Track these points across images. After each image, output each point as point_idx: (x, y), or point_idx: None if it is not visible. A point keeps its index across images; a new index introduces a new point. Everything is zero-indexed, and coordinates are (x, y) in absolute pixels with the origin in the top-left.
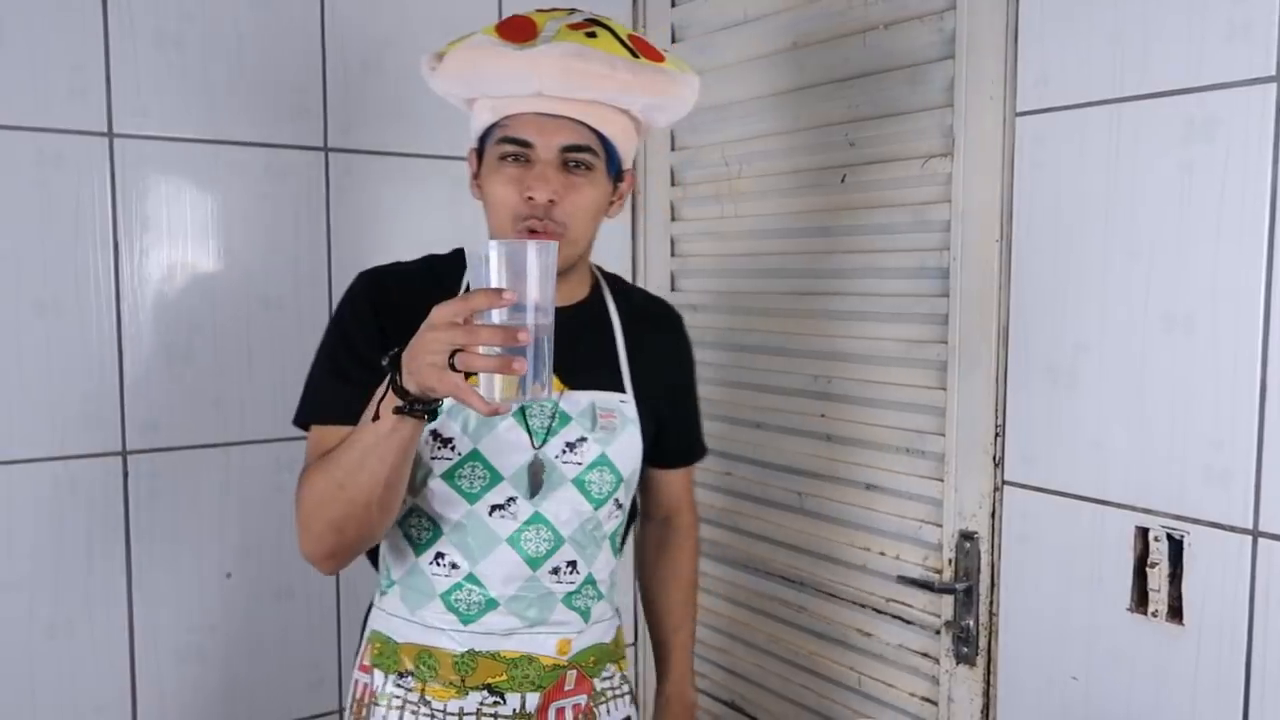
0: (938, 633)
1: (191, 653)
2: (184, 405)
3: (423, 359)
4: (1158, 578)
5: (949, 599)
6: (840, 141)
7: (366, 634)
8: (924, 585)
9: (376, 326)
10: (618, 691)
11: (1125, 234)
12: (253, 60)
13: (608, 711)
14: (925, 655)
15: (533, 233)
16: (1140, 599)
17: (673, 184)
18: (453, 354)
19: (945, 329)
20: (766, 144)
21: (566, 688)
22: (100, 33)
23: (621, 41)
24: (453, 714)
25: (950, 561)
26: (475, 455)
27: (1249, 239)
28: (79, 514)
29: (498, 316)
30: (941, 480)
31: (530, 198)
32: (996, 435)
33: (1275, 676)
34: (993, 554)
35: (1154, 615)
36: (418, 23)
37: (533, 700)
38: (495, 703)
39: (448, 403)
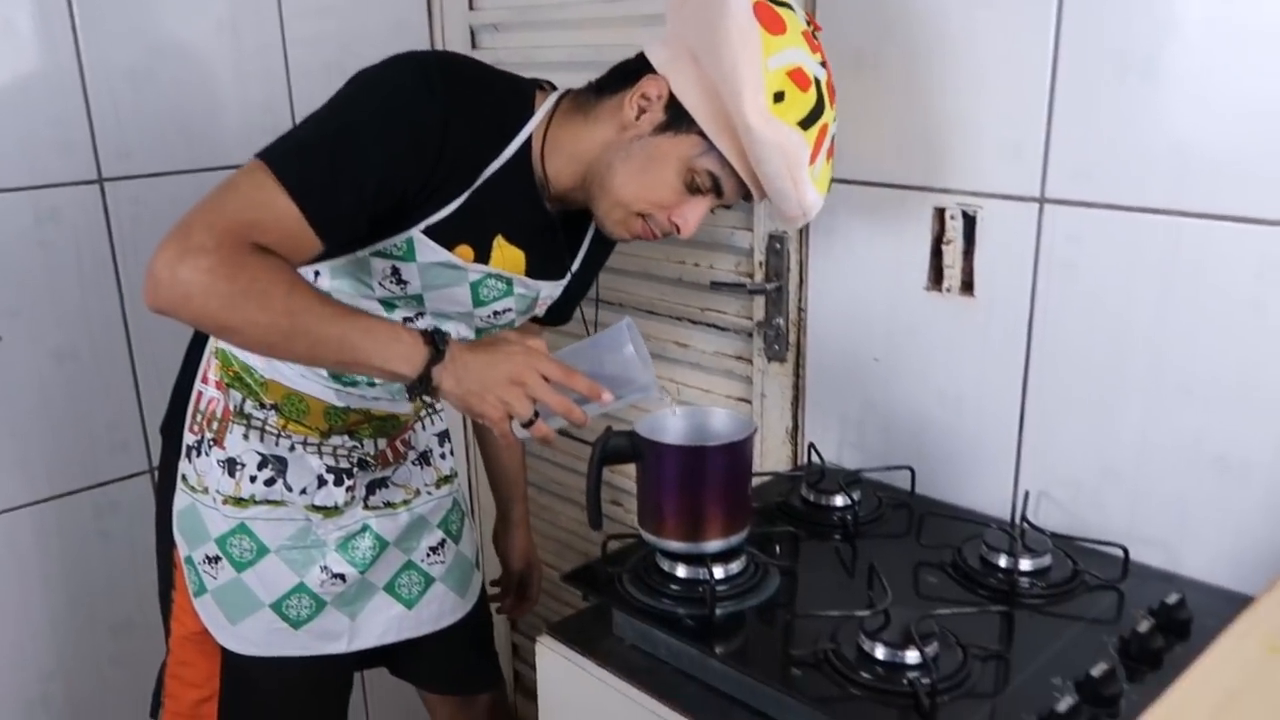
0: (750, 335)
1: None
2: (154, 132)
3: (492, 393)
4: (952, 254)
5: (760, 300)
6: None
7: (209, 349)
8: (736, 289)
9: (429, 167)
10: (432, 410)
11: None
12: None
13: (423, 428)
14: (739, 358)
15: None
16: (936, 277)
17: None
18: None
19: None
20: None
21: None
22: None
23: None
24: (313, 444)
25: (761, 264)
26: (419, 300)
27: None
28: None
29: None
30: None
31: (676, 226)
32: None
33: (1052, 333)
34: (801, 252)
35: (948, 290)
36: None
37: (382, 443)
38: (354, 446)
39: (418, 254)
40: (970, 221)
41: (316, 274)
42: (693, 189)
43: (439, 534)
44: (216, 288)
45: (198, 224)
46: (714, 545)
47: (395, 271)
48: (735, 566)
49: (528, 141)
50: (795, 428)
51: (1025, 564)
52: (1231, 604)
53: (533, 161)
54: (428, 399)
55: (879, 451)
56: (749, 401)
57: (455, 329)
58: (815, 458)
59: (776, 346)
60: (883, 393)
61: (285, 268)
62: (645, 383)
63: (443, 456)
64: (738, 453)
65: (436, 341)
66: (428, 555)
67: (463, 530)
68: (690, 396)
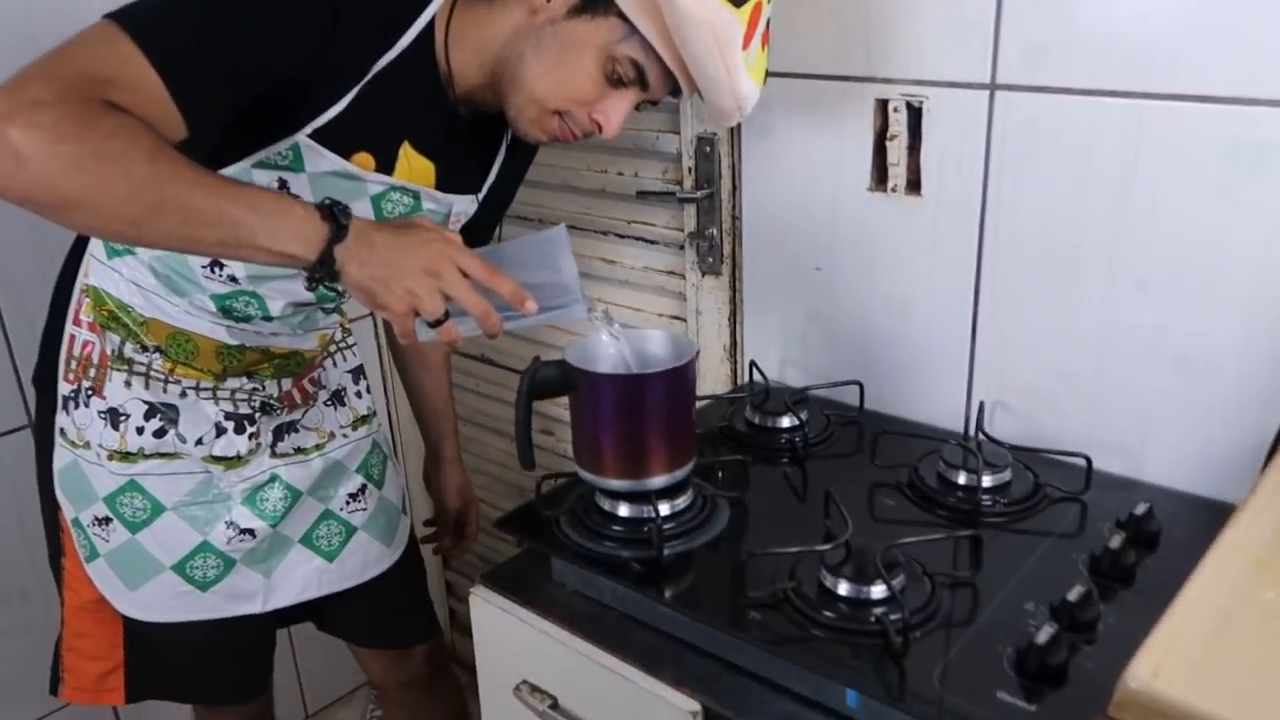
0: (682, 248)
1: None
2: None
3: (400, 283)
4: (897, 150)
5: (691, 210)
6: None
7: (79, 287)
8: (665, 198)
9: (317, 49)
10: (343, 345)
11: None
12: None
13: (334, 365)
14: (671, 273)
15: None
16: (880, 176)
17: None
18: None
19: None
20: None
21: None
22: None
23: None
24: (206, 388)
25: (690, 170)
26: None
27: None
28: None
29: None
30: None
31: (598, 124)
32: None
33: (1006, 231)
34: (733, 155)
35: (893, 190)
36: None
37: (287, 383)
38: (255, 389)
39: (306, 162)
40: (916, 114)
41: None
42: (614, 81)
43: (358, 479)
44: (59, 149)
45: (35, 77)
46: (658, 481)
47: (283, 185)
48: (682, 502)
49: (429, 32)
50: (734, 345)
51: (986, 480)
52: (1196, 509)
53: (435, 55)
54: (331, 286)
55: (824, 367)
56: (683, 319)
57: None
58: (757, 376)
59: (710, 259)
60: (826, 304)
61: (147, 129)
62: (575, 298)
63: (358, 395)
64: (680, 379)
65: (337, 215)
66: (347, 503)
67: (385, 474)
68: (620, 316)
